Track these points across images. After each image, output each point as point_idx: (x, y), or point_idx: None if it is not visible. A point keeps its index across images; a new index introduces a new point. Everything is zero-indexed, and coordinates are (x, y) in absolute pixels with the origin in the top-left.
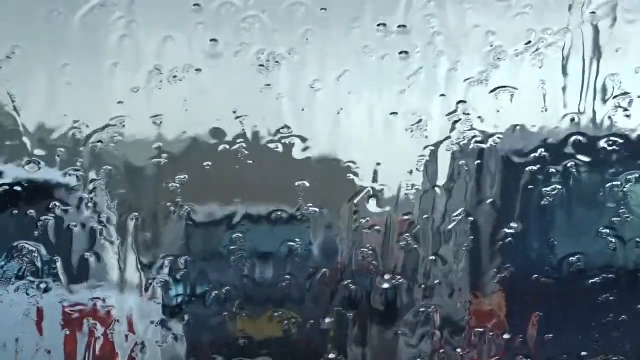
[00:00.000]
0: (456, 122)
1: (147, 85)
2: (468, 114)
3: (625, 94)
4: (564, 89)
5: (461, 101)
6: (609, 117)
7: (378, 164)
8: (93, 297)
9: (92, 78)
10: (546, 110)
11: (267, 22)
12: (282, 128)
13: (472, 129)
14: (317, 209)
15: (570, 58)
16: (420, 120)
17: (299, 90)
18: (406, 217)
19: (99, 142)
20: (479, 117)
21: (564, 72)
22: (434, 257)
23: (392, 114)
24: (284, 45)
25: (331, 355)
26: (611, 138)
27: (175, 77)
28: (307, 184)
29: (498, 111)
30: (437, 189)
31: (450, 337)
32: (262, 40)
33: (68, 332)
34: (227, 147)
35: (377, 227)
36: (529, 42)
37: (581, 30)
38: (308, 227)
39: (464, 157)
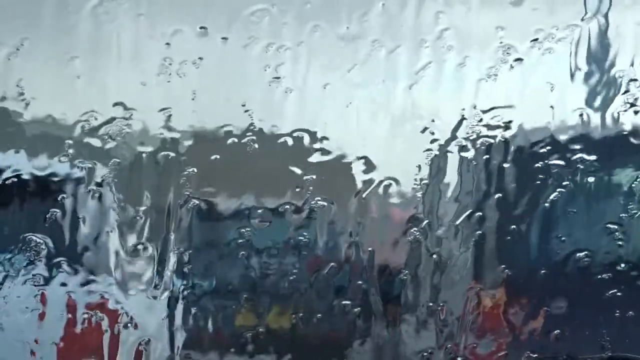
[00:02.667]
0: (464, 117)
1: (155, 78)
2: (476, 109)
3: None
4: (572, 84)
5: (470, 96)
6: (618, 113)
7: (386, 158)
8: (99, 290)
9: (100, 70)
10: (555, 106)
11: (276, 15)
12: (291, 121)
13: (480, 124)
14: (325, 203)
15: (578, 53)
16: (428, 115)
17: (308, 83)
18: (413, 212)
19: (107, 134)
20: (487, 113)
21: (573, 68)
22: (440, 252)
23: (400, 108)
24: (292, 38)
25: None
26: (620, 134)
27: (183, 70)
28: (315, 178)
29: (507, 106)
30: (444, 184)
31: (456, 333)
32: (271, 33)
33: (74, 325)
34: (236, 140)
35: (384, 221)
36: (537, 38)
37: (589, 27)
38: (315, 220)
39: (471, 152)
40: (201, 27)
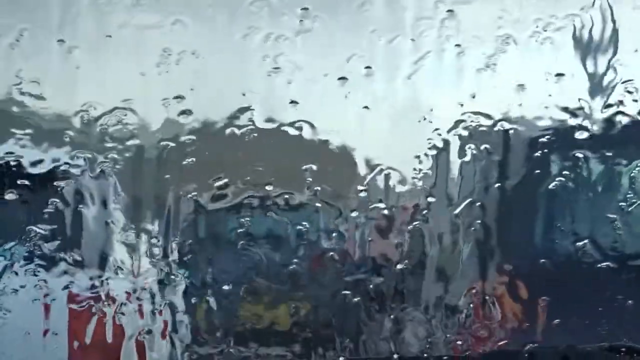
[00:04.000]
0: (463, 106)
1: (155, 68)
2: (475, 98)
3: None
4: (571, 73)
5: (469, 86)
6: (618, 102)
7: (385, 147)
8: (100, 280)
9: (100, 61)
10: (553, 95)
11: (275, 5)
12: (290, 111)
13: (479, 113)
14: (324, 192)
15: (578, 42)
16: (427, 105)
17: (307, 73)
18: (413, 201)
19: (106, 124)
20: (487, 102)
21: (572, 57)
22: (441, 241)
23: (399, 98)
24: (292, 28)
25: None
26: (619, 123)
27: (183, 60)
28: (315, 167)
29: (505, 96)
30: (444, 173)
31: (457, 323)
32: (270, 23)
33: (75, 316)
34: (235, 130)
35: (384, 211)
36: (537, 26)
37: (590, 15)
38: (315, 210)
39: (471, 141)
40: (201, 17)
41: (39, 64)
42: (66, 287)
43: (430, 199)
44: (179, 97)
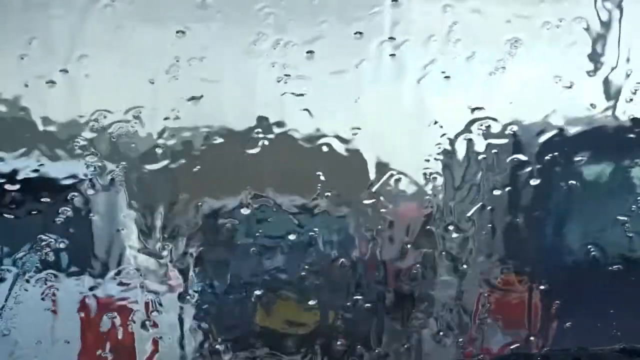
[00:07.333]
0: (473, 110)
1: (164, 76)
2: (484, 102)
3: None
4: (580, 76)
5: (478, 90)
6: (629, 100)
7: (395, 152)
8: (111, 288)
9: (109, 69)
10: (563, 98)
11: (284, 11)
12: (299, 117)
13: (489, 117)
14: (335, 197)
15: (587, 45)
16: (437, 109)
17: (317, 78)
18: (424, 205)
19: (116, 132)
20: (496, 106)
21: (581, 59)
22: (451, 245)
23: (409, 102)
24: (300, 34)
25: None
26: (629, 125)
27: (192, 67)
28: (325, 173)
29: (515, 99)
30: (453, 177)
31: (470, 326)
32: (279, 29)
33: (87, 323)
34: (245, 136)
35: (394, 215)
36: (547, 29)
37: (599, 17)
38: (326, 215)
39: (480, 145)
40: (209, 24)
41: (48, 73)
42: (77, 295)
43: (440, 202)
44: (188, 104)
